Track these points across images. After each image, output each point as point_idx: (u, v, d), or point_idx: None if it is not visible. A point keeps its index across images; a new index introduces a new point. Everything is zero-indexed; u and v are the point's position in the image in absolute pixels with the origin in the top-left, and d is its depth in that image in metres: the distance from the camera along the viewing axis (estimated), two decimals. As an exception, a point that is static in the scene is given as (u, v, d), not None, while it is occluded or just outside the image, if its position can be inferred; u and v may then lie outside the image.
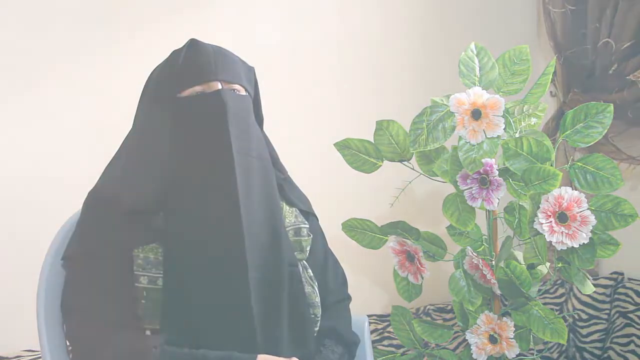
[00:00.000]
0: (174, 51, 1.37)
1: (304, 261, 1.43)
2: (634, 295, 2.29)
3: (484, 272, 1.57)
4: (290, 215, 1.44)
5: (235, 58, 1.38)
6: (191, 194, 1.29)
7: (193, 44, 1.35)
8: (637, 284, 2.30)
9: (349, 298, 1.55)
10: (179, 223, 1.28)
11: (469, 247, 1.61)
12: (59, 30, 1.94)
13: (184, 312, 1.25)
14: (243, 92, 1.36)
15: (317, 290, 1.41)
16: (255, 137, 1.37)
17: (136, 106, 1.40)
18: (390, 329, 2.20)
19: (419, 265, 1.67)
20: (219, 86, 1.32)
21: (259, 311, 1.27)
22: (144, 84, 1.40)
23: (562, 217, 1.48)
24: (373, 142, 1.70)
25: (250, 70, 1.41)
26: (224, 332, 1.26)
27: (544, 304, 1.86)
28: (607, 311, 2.36)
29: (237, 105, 1.33)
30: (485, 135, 1.52)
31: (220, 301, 1.26)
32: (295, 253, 1.40)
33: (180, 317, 1.25)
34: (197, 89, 1.32)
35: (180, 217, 1.28)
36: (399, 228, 1.69)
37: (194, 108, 1.31)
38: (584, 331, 2.38)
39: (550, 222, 1.48)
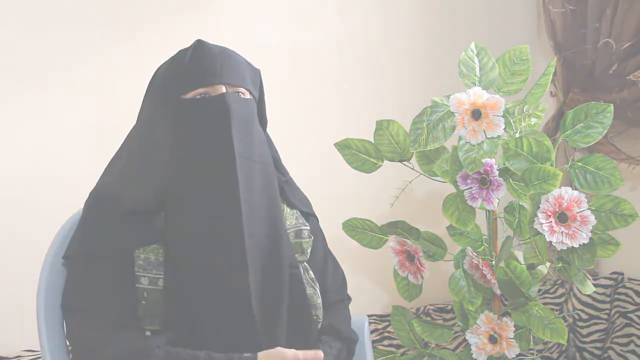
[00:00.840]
0: (180, 50, 1.36)
1: (305, 263, 1.42)
2: (634, 295, 2.29)
3: (484, 272, 1.57)
4: (291, 218, 1.43)
5: (241, 60, 1.36)
6: (192, 196, 1.29)
7: (199, 45, 1.34)
8: (637, 284, 2.30)
9: (348, 299, 1.55)
10: (180, 224, 1.28)
11: (469, 247, 1.61)
12: (59, 30, 1.93)
13: (184, 314, 1.25)
14: (247, 96, 1.35)
15: (318, 291, 1.41)
16: (258, 141, 1.36)
17: (137, 105, 1.39)
18: (390, 329, 2.20)
19: (419, 265, 1.67)
20: (224, 89, 1.31)
21: (260, 313, 1.27)
22: (147, 81, 1.39)
23: (562, 217, 1.48)
24: (373, 142, 1.70)
25: (256, 72, 1.39)
26: (224, 334, 1.25)
27: (544, 304, 1.86)
28: (607, 311, 2.36)
29: (241, 108, 1.32)
30: (485, 135, 1.53)
31: (221, 303, 1.26)
32: (296, 255, 1.40)
33: (181, 319, 1.25)
34: (201, 91, 1.31)
35: (181, 218, 1.28)
36: (399, 228, 1.69)
37: (198, 110, 1.30)
38: (584, 331, 2.38)
39: (550, 222, 1.48)
